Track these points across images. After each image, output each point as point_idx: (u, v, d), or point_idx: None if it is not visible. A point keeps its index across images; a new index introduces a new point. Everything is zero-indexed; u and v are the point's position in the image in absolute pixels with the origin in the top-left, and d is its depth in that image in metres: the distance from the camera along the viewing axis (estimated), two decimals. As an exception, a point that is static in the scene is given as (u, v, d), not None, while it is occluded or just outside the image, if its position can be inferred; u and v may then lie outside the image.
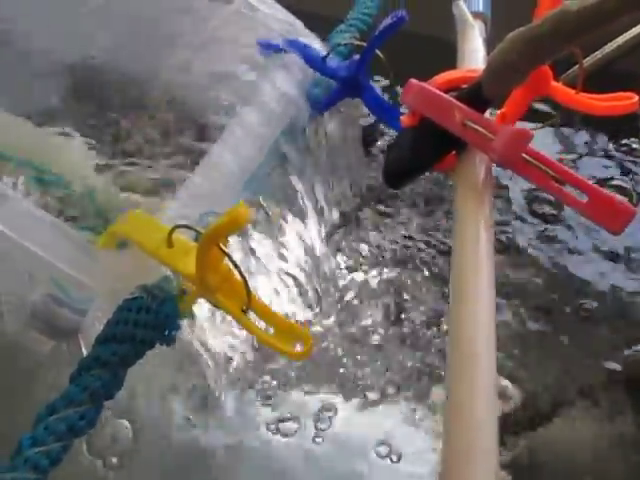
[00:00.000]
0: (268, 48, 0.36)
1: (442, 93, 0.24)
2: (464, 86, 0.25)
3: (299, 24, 0.38)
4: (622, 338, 0.37)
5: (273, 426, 0.38)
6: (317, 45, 0.37)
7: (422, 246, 0.46)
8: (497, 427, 0.16)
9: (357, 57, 0.35)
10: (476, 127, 0.21)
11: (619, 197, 0.20)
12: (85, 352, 0.35)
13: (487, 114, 0.27)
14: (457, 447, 0.16)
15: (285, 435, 0.38)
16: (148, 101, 0.37)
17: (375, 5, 0.48)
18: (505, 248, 0.45)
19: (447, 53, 0.38)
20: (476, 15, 0.34)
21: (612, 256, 0.43)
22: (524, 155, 0.20)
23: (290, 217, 0.39)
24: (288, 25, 0.37)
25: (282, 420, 0.38)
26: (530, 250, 0.45)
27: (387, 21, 0.33)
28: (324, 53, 0.36)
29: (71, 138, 0.35)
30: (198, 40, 0.37)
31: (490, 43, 0.40)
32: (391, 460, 0.37)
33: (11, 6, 0.43)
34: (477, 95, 0.23)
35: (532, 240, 0.47)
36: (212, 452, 0.38)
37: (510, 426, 0.35)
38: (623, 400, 0.35)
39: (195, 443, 0.38)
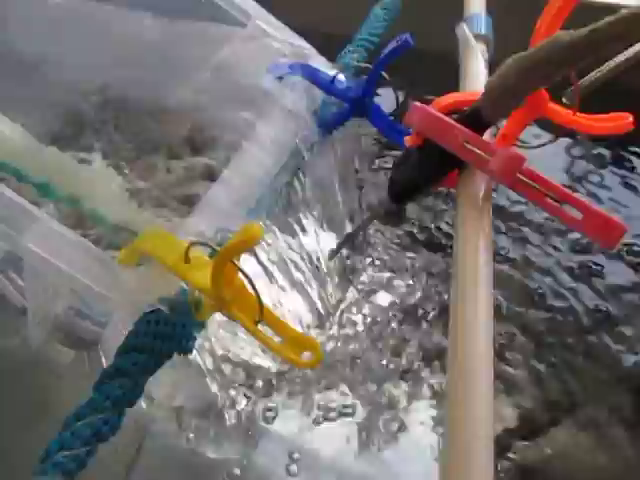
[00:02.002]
0: (280, 71, 0.37)
1: (443, 116, 0.25)
2: (465, 108, 0.26)
3: (309, 47, 0.40)
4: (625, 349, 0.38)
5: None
6: (326, 67, 0.39)
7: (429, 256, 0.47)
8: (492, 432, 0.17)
9: (364, 79, 0.37)
10: (474, 149, 0.22)
11: (611, 215, 0.21)
12: (105, 362, 0.37)
13: (488, 134, 0.28)
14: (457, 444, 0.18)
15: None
16: (166, 122, 0.39)
17: (382, 25, 0.50)
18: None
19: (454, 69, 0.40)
20: (478, 37, 0.36)
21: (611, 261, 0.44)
22: (519, 175, 0.21)
23: (299, 232, 0.41)
24: (298, 48, 0.39)
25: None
26: (532, 258, 0.46)
27: (392, 44, 0.34)
28: (332, 75, 0.37)
29: (92, 162, 0.38)
30: (214, 63, 0.39)
31: (493, 64, 0.42)
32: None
33: (40, 38, 0.45)
34: (477, 118, 0.25)
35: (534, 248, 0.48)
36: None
37: (508, 438, 0.36)
38: (627, 409, 0.35)
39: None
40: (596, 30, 0.20)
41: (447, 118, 0.25)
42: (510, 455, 0.38)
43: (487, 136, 0.28)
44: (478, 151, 0.22)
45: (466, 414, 0.18)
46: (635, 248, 0.47)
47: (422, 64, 0.53)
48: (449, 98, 0.28)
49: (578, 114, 0.27)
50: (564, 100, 0.41)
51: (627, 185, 0.54)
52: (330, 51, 0.44)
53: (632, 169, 0.55)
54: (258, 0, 0.40)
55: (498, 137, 0.28)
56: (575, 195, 0.22)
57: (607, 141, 0.56)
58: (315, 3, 0.69)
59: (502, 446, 0.38)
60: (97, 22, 0.42)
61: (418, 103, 0.27)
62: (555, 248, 0.47)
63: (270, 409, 0.39)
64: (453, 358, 0.19)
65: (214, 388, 0.39)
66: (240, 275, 0.25)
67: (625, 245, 0.46)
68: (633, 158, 0.56)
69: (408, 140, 0.28)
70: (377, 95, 0.36)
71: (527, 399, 0.37)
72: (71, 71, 0.42)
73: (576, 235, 0.47)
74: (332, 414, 0.39)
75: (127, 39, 0.41)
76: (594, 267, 0.45)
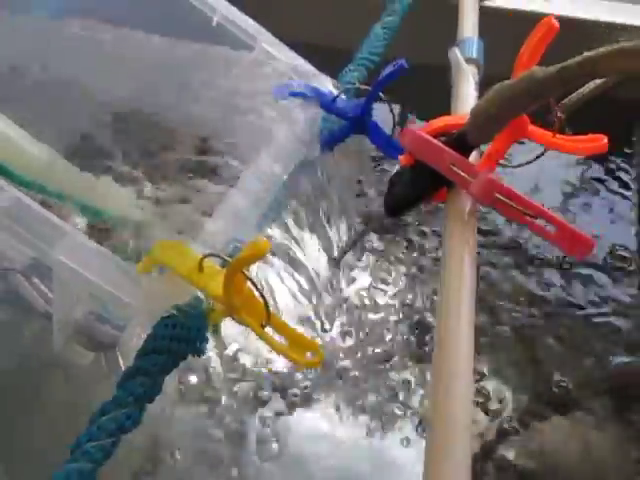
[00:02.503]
0: (284, 91, 0.40)
1: (433, 139, 0.28)
2: (454, 131, 0.29)
3: (311, 68, 0.43)
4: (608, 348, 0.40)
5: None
6: (327, 87, 0.41)
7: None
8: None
9: (363, 99, 0.39)
10: (459, 172, 0.25)
11: (580, 230, 0.24)
12: (122, 362, 0.39)
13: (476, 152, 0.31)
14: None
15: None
16: (177, 139, 0.42)
17: (382, 44, 0.53)
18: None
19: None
20: (469, 60, 0.38)
21: (597, 267, 0.47)
22: (497, 195, 0.24)
23: (302, 241, 0.43)
24: (302, 70, 0.41)
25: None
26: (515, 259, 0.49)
27: (389, 68, 0.37)
28: (333, 95, 0.40)
29: (110, 175, 0.40)
30: (223, 84, 0.42)
31: (482, 86, 0.45)
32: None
33: (60, 59, 0.48)
34: (463, 141, 0.27)
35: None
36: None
37: (496, 435, 0.38)
38: (609, 409, 0.38)
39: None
40: (566, 68, 0.23)
41: (436, 141, 0.27)
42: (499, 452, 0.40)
43: (475, 154, 0.31)
44: (462, 173, 0.25)
45: (446, 413, 0.21)
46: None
47: (418, 78, 0.55)
48: (440, 121, 0.30)
49: (557, 136, 0.30)
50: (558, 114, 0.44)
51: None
52: (331, 64, 0.46)
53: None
54: (263, 13, 0.43)
55: (484, 156, 0.30)
56: (549, 211, 0.25)
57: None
58: (317, 18, 0.72)
59: (490, 443, 0.41)
60: (115, 44, 0.45)
61: (411, 126, 0.30)
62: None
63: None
64: (437, 357, 0.22)
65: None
66: (249, 284, 0.28)
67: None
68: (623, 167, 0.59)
69: (402, 160, 0.30)
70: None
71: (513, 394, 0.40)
72: (90, 90, 0.45)
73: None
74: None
75: (143, 60, 0.44)
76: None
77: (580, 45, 0.68)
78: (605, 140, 0.29)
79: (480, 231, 0.50)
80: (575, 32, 0.61)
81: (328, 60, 0.45)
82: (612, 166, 0.58)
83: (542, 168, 0.52)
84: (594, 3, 0.62)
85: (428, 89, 0.55)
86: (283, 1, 0.70)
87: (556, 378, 0.40)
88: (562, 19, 0.63)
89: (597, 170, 0.57)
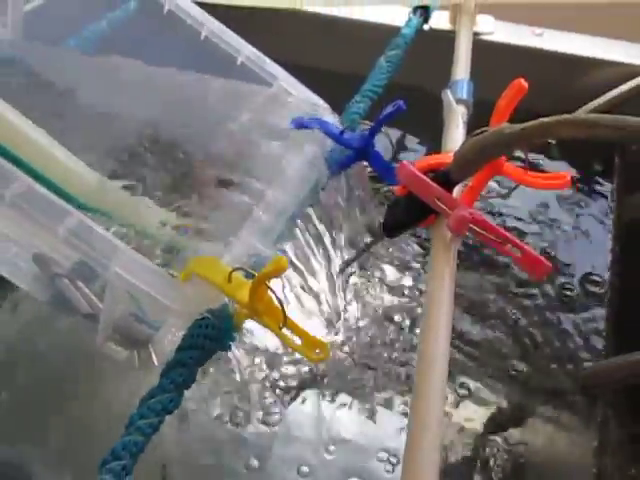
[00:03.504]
0: (298, 124, 0.46)
1: (422, 175, 0.33)
2: (442, 169, 0.35)
3: (322, 103, 0.49)
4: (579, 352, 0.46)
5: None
6: (335, 121, 0.47)
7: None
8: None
9: (366, 132, 0.45)
10: (441, 205, 0.31)
11: (541, 257, 0.29)
12: (155, 358, 0.45)
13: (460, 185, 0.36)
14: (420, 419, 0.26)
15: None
16: (202, 165, 0.48)
17: (386, 77, 0.58)
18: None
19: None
20: (459, 101, 0.44)
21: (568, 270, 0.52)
22: (471, 225, 0.29)
23: (312, 253, 0.49)
24: (314, 105, 0.47)
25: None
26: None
27: (389, 109, 0.42)
28: (341, 128, 0.46)
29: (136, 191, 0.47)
30: (244, 116, 0.48)
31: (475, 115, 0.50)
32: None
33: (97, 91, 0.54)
34: (447, 178, 0.33)
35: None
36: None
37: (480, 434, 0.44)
38: (579, 410, 0.43)
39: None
40: (527, 128, 0.28)
41: (424, 177, 0.33)
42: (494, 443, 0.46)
43: (459, 187, 0.36)
44: (443, 206, 0.31)
45: (426, 405, 0.26)
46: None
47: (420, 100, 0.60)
48: (431, 159, 0.36)
49: (528, 173, 0.35)
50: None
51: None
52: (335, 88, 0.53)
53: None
54: (270, 39, 0.48)
55: (466, 189, 0.36)
56: (515, 239, 0.30)
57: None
58: (323, 45, 0.78)
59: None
60: (147, 78, 0.51)
61: (405, 162, 0.36)
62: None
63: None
64: (420, 354, 0.27)
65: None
66: (270, 293, 0.33)
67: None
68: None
69: (398, 190, 0.36)
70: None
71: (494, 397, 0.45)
72: (124, 118, 0.51)
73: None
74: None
75: (172, 93, 0.50)
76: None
77: (570, 79, 0.74)
78: (568, 178, 0.35)
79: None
80: (566, 66, 0.67)
81: (333, 84, 0.51)
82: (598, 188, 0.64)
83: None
84: (585, 39, 0.67)
85: (428, 110, 0.61)
86: (269, 22, 0.73)
87: (530, 381, 0.45)
88: (553, 54, 0.69)
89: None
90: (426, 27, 0.68)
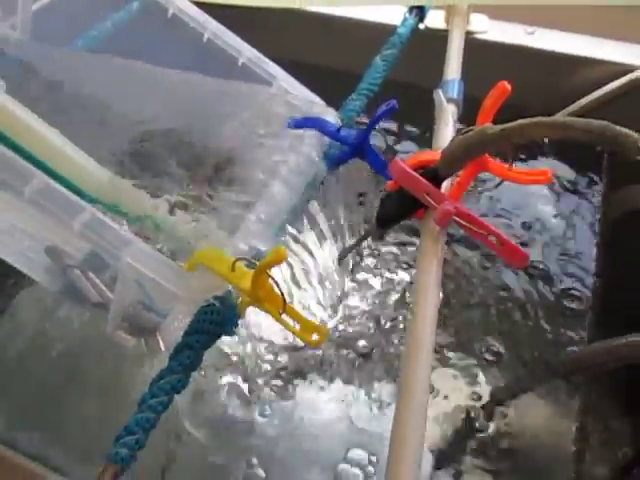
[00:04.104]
0: (297, 122, 0.48)
1: (412, 172, 0.36)
2: (432, 165, 0.37)
3: (319, 101, 0.51)
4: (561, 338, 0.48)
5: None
6: (332, 118, 0.50)
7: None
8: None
9: (362, 129, 0.48)
10: (429, 200, 0.33)
11: (519, 246, 0.32)
12: (162, 344, 0.48)
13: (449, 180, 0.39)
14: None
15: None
16: (203, 158, 0.50)
17: (381, 75, 0.60)
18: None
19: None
20: (450, 100, 0.46)
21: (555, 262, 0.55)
22: (455, 217, 0.32)
23: (311, 244, 0.52)
24: (312, 104, 0.50)
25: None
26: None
27: (382, 108, 0.45)
28: (338, 125, 0.48)
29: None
30: (245, 114, 0.50)
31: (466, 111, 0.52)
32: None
33: (92, 76, 0.57)
34: (436, 174, 0.36)
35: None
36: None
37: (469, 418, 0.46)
38: (561, 393, 0.46)
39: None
40: (506, 129, 0.31)
41: (414, 173, 0.36)
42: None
43: (448, 182, 0.39)
44: (431, 200, 0.33)
45: (413, 387, 0.29)
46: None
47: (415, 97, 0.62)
48: (421, 156, 0.39)
49: (512, 169, 0.38)
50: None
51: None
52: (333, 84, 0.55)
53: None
54: (270, 37, 0.50)
55: (455, 184, 0.38)
56: (496, 230, 0.33)
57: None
58: (321, 43, 0.80)
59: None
60: (152, 78, 0.54)
61: (397, 159, 0.38)
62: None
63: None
64: (408, 336, 0.30)
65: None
66: (270, 281, 0.36)
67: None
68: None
69: (390, 185, 0.39)
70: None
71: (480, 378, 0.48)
72: (132, 117, 0.53)
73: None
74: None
75: (176, 92, 0.52)
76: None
77: (561, 76, 0.76)
78: (549, 174, 0.37)
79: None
80: (556, 65, 0.69)
81: (330, 80, 0.53)
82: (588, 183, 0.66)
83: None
84: (576, 38, 0.69)
85: (423, 106, 0.63)
86: (267, 20, 0.75)
87: (514, 365, 0.48)
88: (544, 53, 0.71)
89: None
90: (421, 26, 0.70)
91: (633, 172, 0.67)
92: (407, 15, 0.68)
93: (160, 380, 0.35)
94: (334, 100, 0.53)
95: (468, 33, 0.69)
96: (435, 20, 0.71)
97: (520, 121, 0.30)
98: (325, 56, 0.79)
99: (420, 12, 0.68)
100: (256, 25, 0.72)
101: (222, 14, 0.55)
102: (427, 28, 0.70)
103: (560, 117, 0.28)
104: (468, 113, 0.52)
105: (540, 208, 0.63)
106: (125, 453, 0.32)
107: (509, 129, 0.29)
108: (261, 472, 0.47)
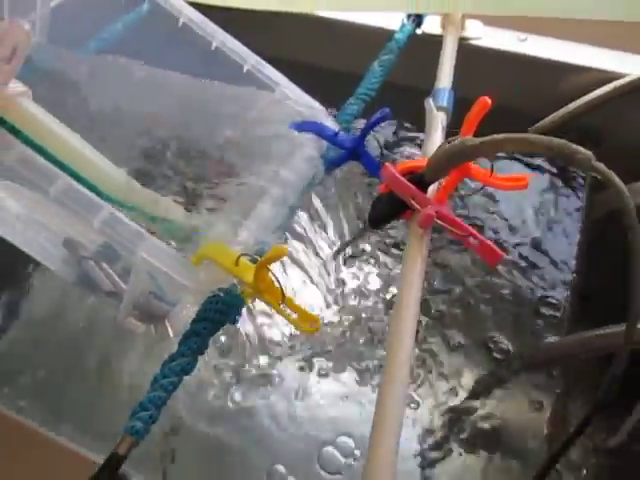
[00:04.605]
0: (298, 126, 0.52)
1: (401, 177, 0.39)
2: (419, 171, 0.41)
3: (319, 107, 0.54)
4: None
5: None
6: (330, 122, 0.53)
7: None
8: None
9: (357, 134, 0.51)
10: (414, 204, 0.37)
11: (494, 246, 0.35)
12: (171, 331, 0.52)
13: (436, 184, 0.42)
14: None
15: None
16: (210, 161, 0.54)
17: (378, 80, 0.64)
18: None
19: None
20: (440, 108, 0.50)
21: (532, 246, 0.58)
22: (436, 219, 0.35)
23: (310, 240, 0.56)
24: (312, 109, 0.53)
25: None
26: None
27: (377, 115, 0.48)
28: (336, 130, 0.52)
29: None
30: (248, 118, 0.54)
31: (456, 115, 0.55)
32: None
33: (106, 80, 0.60)
34: (422, 179, 0.39)
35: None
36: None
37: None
38: (537, 381, 0.49)
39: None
40: (485, 142, 0.34)
41: (402, 178, 0.39)
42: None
43: (435, 186, 0.42)
44: (415, 204, 0.37)
45: (394, 370, 0.33)
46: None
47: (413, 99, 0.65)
48: (410, 162, 0.42)
49: (493, 175, 0.41)
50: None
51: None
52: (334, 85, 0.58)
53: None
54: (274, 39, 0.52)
55: (440, 188, 0.42)
56: (474, 232, 0.36)
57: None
58: (323, 46, 0.83)
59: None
60: (158, 81, 0.57)
61: (388, 165, 0.41)
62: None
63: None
64: (392, 323, 0.34)
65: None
66: (271, 275, 0.40)
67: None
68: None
69: (381, 188, 0.42)
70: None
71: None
72: (142, 119, 0.57)
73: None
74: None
75: (186, 97, 0.56)
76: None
77: (552, 83, 0.80)
78: (527, 180, 0.41)
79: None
80: (546, 71, 0.72)
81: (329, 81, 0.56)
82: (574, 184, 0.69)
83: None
84: (565, 45, 0.72)
85: (420, 108, 0.67)
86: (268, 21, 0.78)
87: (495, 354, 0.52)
88: (535, 59, 0.74)
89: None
90: (419, 32, 0.73)
91: (617, 174, 0.70)
92: (405, 21, 0.71)
93: (171, 362, 0.38)
94: (333, 100, 0.57)
95: (463, 39, 0.72)
96: (432, 25, 0.74)
97: (494, 136, 0.33)
98: (326, 58, 0.82)
99: (417, 18, 0.72)
100: (259, 26, 0.76)
101: (226, 15, 0.58)
102: (424, 33, 0.74)
103: (528, 134, 0.31)
104: (462, 116, 0.56)
105: (526, 207, 0.66)
106: (140, 426, 0.35)
107: (486, 142, 0.33)
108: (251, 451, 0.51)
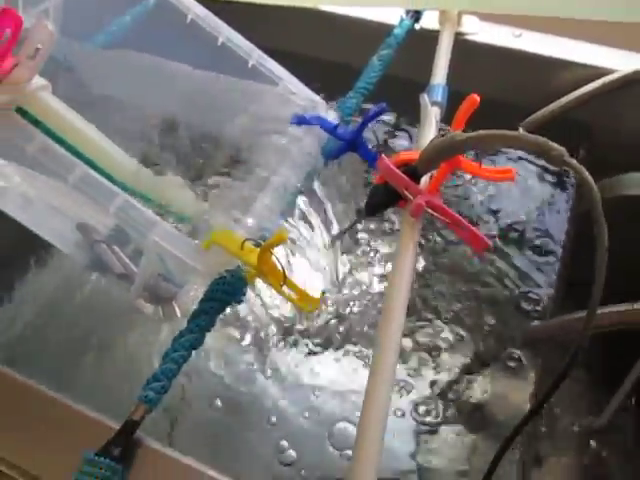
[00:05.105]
0: (300, 119, 0.55)
1: (395, 169, 0.42)
2: (412, 163, 0.44)
3: (320, 100, 0.57)
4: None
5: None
6: (329, 115, 0.56)
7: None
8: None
9: (356, 126, 0.54)
10: (407, 194, 0.40)
11: (480, 233, 0.38)
12: (178, 311, 0.55)
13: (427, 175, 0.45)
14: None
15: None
16: (214, 152, 0.57)
17: (377, 74, 0.66)
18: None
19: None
20: (434, 103, 0.52)
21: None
22: (427, 209, 0.38)
23: (311, 226, 0.59)
24: (313, 102, 0.56)
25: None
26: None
27: (374, 109, 0.51)
28: (335, 122, 0.55)
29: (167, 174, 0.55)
30: (253, 110, 0.57)
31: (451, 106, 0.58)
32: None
33: (117, 72, 0.63)
34: (415, 171, 0.42)
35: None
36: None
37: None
38: (523, 361, 0.53)
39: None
40: (471, 137, 0.37)
41: (396, 170, 0.42)
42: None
43: (426, 177, 0.45)
44: (408, 194, 0.40)
45: (382, 355, 0.36)
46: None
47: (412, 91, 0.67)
48: (404, 155, 0.45)
49: (482, 167, 0.44)
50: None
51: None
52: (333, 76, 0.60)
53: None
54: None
55: (432, 179, 0.45)
56: (462, 220, 0.39)
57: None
58: (324, 39, 0.85)
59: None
60: (167, 74, 0.60)
61: (383, 157, 0.44)
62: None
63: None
64: (385, 303, 0.37)
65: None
66: (273, 258, 0.43)
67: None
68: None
69: (377, 179, 0.45)
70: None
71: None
72: (148, 109, 0.60)
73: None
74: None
75: (193, 89, 0.59)
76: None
77: (544, 78, 0.82)
78: (513, 173, 0.44)
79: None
80: (540, 67, 0.75)
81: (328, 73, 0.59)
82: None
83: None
84: (557, 41, 0.75)
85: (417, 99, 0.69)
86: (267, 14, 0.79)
87: (484, 337, 0.55)
88: (529, 55, 0.77)
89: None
90: (417, 27, 0.75)
91: (605, 166, 0.73)
92: (404, 16, 0.73)
93: (181, 338, 0.42)
94: (333, 90, 0.59)
95: (460, 34, 0.75)
96: (430, 20, 0.76)
97: (481, 132, 0.36)
98: (326, 50, 0.85)
99: (416, 14, 0.74)
100: (260, 19, 0.78)
101: (228, 8, 0.60)
102: (422, 29, 0.76)
103: (506, 131, 0.34)
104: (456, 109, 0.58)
105: (516, 198, 0.69)
106: (153, 396, 0.39)
107: (473, 137, 0.36)
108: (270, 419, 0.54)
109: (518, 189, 0.70)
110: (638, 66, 0.66)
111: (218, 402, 0.56)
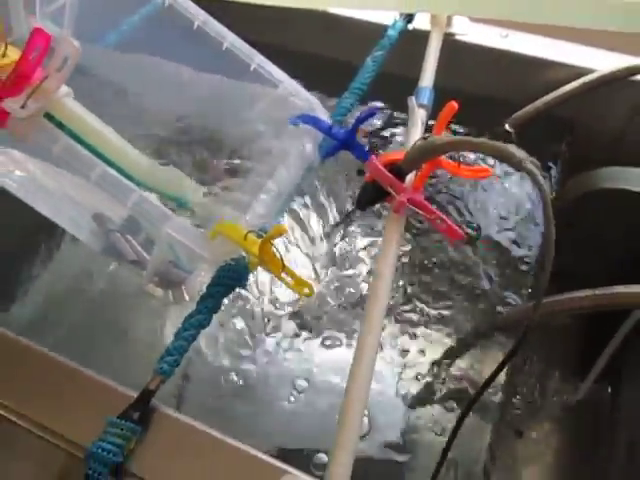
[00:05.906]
0: (296, 119, 0.59)
1: (382, 168, 0.47)
2: (398, 163, 0.48)
3: (316, 102, 0.62)
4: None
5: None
6: (326, 117, 0.61)
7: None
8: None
9: (349, 127, 0.59)
10: (392, 190, 0.45)
11: (455, 226, 0.43)
12: (187, 296, 0.60)
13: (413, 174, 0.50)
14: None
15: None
16: (218, 150, 0.62)
17: (371, 75, 0.71)
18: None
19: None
20: (421, 105, 0.57)
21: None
22: (409, 205, 0.43)
23: (306, 220, 0.64)
24: (309, 103, 0.61)
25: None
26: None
27: (367, 110, 0.56)
28: (330, 123, 0.59)
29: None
30: (255, 110, 0.61)
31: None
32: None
33: (128, 73, 0.67)
34: (400, 170, 0.47)
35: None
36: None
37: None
38: (501, 344, 0.58)
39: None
40: (448, 142, 0.42)
41: (383, 169, 0.47)
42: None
43: (412, 175, 0.50)
44: (393, 192, 0.45)
45: (366, 343, 0.41)
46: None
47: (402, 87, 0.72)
48: (392, 155, 0.49)
49: (461, 166, 0.49)
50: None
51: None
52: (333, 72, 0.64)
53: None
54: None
55: (417, 177, 0.50)
56: (440, 214, 0.44)
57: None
58: (324, 37, 0.90)
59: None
60: (174, 75, 0.64)
61: (373, 157, 0.49)
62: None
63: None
64: (371, 289, 0.42)
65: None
66: (273, 248, 0.48)
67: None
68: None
69: (367, 177, 0.50)
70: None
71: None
72: (160, 111, 0.64)
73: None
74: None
75: (198, 91, 0.63)
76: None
77: (529, 77, 0.87)
78: (488, 171, 0.49)
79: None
80: (525, 66, 0.79)
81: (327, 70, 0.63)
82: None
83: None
84: (541, 41, 0.79)
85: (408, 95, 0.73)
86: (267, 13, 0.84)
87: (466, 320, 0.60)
88: (515, 55, 0.81)
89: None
90: (410, 27, 0.80)
91: (587, 160, 0.78)
92: (396, 18, 0.78)
93: (190, 318, 0.47)
94: (333, 85, 0.64)
95: (450, 34, 0.79)
96: (423, 21, 0.80)
97: (456, 137, 0.41)
98: (327, 48, 0.89)
99: (408, 16, 0.78)
100: (261, 19, 0.82)
101: (229, 7, 0.64)
102: (415, 29, 0.80)
103: (471, 138, 0.39)
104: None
105: (500, 191, 0.74)
106: (167, 368, 0.44)
107: (451, 142, 0.41)
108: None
109: (504, 183, 0.74)
110: (616, 66, 0.71)
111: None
